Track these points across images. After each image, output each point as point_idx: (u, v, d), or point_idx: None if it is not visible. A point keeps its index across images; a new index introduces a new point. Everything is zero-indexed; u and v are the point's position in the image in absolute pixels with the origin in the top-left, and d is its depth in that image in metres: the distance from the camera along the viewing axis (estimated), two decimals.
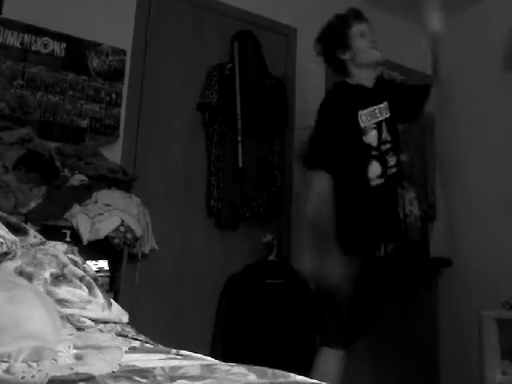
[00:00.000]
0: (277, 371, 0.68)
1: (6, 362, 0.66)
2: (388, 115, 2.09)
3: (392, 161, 2.05)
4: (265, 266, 2.65)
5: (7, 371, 0.63)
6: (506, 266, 2.89)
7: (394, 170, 2.06)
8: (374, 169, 2.02)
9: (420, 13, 2.15)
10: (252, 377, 0.66)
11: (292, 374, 0.68)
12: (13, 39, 2.20)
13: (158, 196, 2.58)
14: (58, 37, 2.29)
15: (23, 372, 0.63)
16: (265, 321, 2.52)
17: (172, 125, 2.70)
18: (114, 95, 2.40)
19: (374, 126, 2.03)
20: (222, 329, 2.54)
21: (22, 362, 0.67)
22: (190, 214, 2.68)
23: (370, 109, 2.05)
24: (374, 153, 2.03)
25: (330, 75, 3.19)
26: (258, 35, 2.89)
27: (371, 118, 2.04)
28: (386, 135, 2.05)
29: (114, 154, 2.41)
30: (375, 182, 2.02)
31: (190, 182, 2.70)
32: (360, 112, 2.02)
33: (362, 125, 2.02)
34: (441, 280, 3.38)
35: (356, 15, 2.12)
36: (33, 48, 2.23)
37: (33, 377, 0.62)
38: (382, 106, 2.09)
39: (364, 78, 2.13)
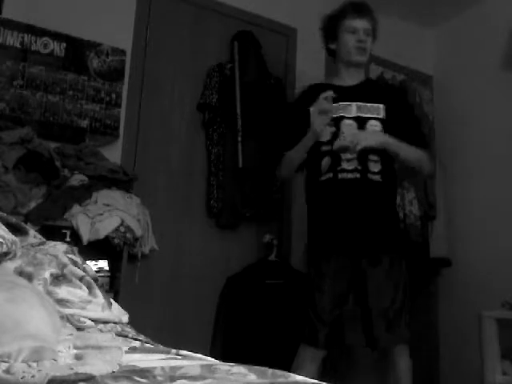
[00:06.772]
0: (277, 371, 0.68)
1: (6, 362, 0.66)
2: (361, 114, 2.00)
3: (348, 156, 1.94)
4: (265, 266, 2.65)
5: (7, 371, 0.63)
6: (506, 266, 2.89)
7: (351, 166, 1.95)
8: (324, 163, 2.00)
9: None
10: (252, 377, 0.66)
11: (292, 374, 0.68)
12: (13, 39, 2.19)
13: (158, 196, 2.58)
14: (58, 37, 2.29)
15: (23, 372, 0.63)
16: (265, 321, 2.52)
17: (172, 125, 2.70)
18: (113, 95, 2.40)
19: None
20: (222, 329, 2.54)
21: (22, 362, 0.66)
22: (190, 213, 2.68)
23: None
24: (325, 148, 1.99)
25: (330, 75, 3.20)
26: (258, 35, 2.89)
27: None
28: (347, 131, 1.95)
29: (114, 153, 2.41)
30: (324, 176, 2.00)
31: (190, 183, 2.70)
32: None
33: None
34: (441, 280, 3.38)
35: (356, 10, 2.07)
36: (33, 48, 2.22)
37: (33, 377, 0.62)
38: (353, 104, 2.01)
39: (343, 74, 2.13)
